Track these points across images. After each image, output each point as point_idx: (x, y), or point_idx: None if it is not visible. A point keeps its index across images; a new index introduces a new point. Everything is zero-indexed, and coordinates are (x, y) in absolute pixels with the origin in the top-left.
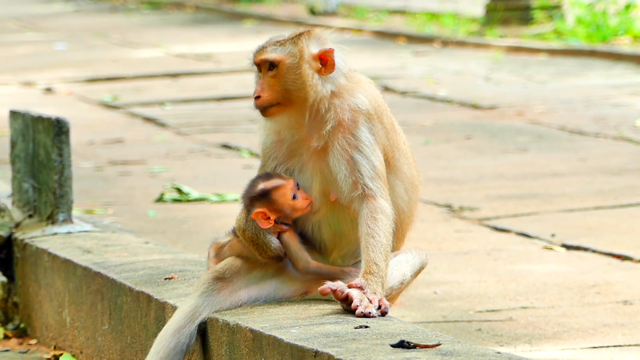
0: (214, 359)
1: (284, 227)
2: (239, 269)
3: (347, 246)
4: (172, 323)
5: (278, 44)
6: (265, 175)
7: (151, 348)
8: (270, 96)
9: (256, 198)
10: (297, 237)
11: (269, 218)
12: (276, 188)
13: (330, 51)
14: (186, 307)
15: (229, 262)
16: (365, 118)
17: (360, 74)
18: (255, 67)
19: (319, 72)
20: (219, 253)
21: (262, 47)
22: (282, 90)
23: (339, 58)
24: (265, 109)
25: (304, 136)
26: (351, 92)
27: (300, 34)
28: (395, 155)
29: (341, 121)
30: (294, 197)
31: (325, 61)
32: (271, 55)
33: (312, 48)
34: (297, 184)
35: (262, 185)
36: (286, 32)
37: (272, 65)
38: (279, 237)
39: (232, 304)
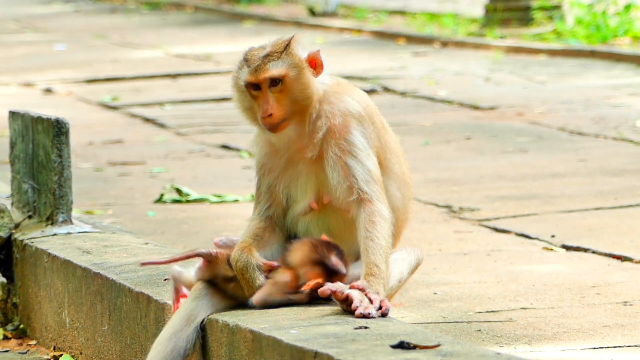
0: None
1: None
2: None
3: None
4: (168, 327)
5: (274, 58)
6: (328, 247)
7: (148, 354)
8: (281, 112)
9: (334, 272)
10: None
11: None
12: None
13: (318, 52)
14: (181, 310)
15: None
16: (356, 121)
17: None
18: (244, 88)
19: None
20: None
21: (258, 65)
22: (289, 103)
23: (324, 58)
24: (277, 126)
25: (299, 146)
26: (339, 95)
27: (287, 43)
28: (387, 156)
29: (332, 127)
30: None
31: (314, 63)
32: (274, 71)
33: (302, 54)
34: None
35: (335, 260)
36: (264, 42)
37: (275, 81)
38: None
39: (228, 305)
